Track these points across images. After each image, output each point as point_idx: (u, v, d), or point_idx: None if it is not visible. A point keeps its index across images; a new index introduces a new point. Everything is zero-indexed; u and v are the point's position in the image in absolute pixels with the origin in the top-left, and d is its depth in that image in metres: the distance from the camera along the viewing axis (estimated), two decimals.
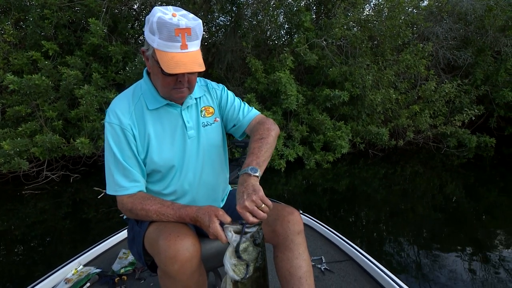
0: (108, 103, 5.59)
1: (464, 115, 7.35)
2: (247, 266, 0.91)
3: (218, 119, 1.28)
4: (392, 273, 1.73)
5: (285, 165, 5.75)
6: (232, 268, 0.90)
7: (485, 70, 8.21)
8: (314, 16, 7.91)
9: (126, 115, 1.11)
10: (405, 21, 7.12)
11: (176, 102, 1.17)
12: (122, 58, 6.02)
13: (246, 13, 7.50)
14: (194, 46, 1.03)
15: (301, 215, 2.50)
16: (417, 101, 7.54)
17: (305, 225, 2.47)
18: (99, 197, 4.44)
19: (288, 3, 7.13)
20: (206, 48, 7.71)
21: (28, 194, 4.80)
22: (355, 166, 6.54)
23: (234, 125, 1.31)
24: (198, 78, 1.27)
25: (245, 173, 1.01)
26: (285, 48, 6.49)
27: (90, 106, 5.19)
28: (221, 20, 7.83)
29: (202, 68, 1.01)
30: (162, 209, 1.06)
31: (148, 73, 1.18)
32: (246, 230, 0.91)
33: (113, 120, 1.10)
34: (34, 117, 5.30)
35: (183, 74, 1.04)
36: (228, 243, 0.92)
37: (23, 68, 5.48)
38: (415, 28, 8.08)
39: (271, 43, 7.89)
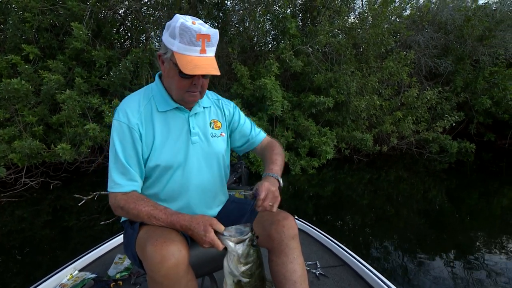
0: (91, 108, 5.52)
1: (445, 121, 7.54)
2: (252, 266, 0.99)
3: (224, 134, 1.33)
4: (386, 278, 1.75)
5: None
6: (241, 275, 0.97)
7: (465, 78, 8.49)
8: (300, 23, 8.03)
9: (136, 114, 1.15)
10: (388, 30, 7.30)
11: (186, 106, 1.22)
12: (106, 63, 5.94)
13: (232, 19, 7.54)
14: (211, 52, 1.10)
15: (295, 220, 2.52)
16: (401, 107, 7.70)
17: (300, 230, 2.47)
18: (79, 204, 4.32)
19: (274, 10, 7.22)
20: None
21: (5, 202, 4.63)
22: (340, 172, 6.60)
23: (247, 141, 1.41)
24: (210, 92, 1.37)
25: (272, 176, 1.18)
26: (270, 55, 6.54)
27: (72, 112, 5.08)
28: None
29: (218, 72, 1.08)
30: (154, 212, 1.06)
31: (160, 77, 1.24)
32: (244, 237, 0.97)
33: (121, 119, 1.13)
34: (13, 122, 5.15)
35: (198, 77, 1.11)
36: (224, 250, 0.99)
37: (2, 72, 5.33)
38: (398, 36, 8.29)
39: (257, 49, 7.94)
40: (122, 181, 1.12)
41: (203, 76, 1.13)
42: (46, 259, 3.22)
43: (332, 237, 2.29)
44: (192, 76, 1.10)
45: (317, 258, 2.12)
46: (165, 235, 1.01)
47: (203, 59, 1.07)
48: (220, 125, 1.32)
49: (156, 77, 1.25)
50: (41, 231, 3.89)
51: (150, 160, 1.16)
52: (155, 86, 1.22)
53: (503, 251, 3.36)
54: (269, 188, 1.09)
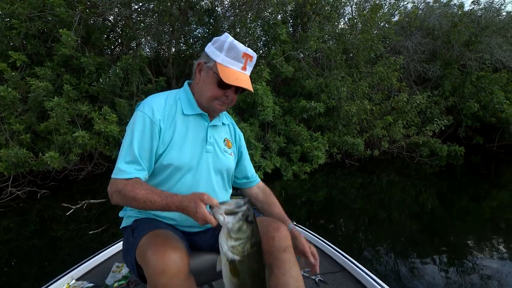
0: (80, 116, 5.44)
1: (435, 125, 7.64)
2: (245, 244, 0.93)
3: (233, 154, 1.39)
4: (386, 284, 1.75)
5: (262, 177, 5.71)
6: (230, 250, 0.92)
7: (453, 82, 8.64)
8: (290, 29, 8.09)
9: (160, 110, 1.20)
10: (378, 35, 7.40)
11: (210, 115, 1.28)
12: (96, 70, 5.88)
13: (223, 25, 7.56)
14: (249, 72, 1.22)
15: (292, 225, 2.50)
16: (391, 112, 7.78)
17: None
18: (68, 213, 4.23)
19: (265, 16, 7.26)
20: (183, 59, 7.67)
21: None
22: (332, 176, 6.61)
23: (247, 179, 1.49)
24: (226, 114, 1.44)
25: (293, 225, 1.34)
26: (261, 60, 6.55)
27: (60, 119, 5.00)
28: (198, 32, 7.86)
29: (252, 88, 1.21)
30: (150, 196, 1.05)
31: (189, 85, 1.32)
32: (237, 210, 0.93)
33: (146, 112, 1.17)
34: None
35: (232, 90, 1.21)
36: (218, 226, 0.95)
37: None
38: (387, 42, 8.41)
39: None
40: (127, 169, 1.13)
41: (236, 91, 1.22)
42: (34, 270, 3.12)
43: (330, 243, 2.27)
44: (227, 88, 1.19)
45: None
46: (167, 243, 1.02)
47: (243, 75, 1.18)
48: (231, 146, 1.39)
49: (185, 84, 1.32)
50: (28, 241, 3.76)
51: (164, 158, 1.18)
52: (183, 91, 1.29)
53: (494, 252, 3.40)
54: (308, 247, 1.32)
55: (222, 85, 1.16)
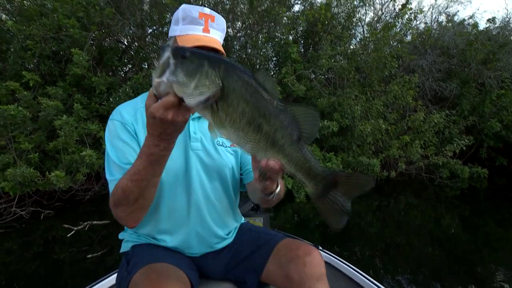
0: (90, 135, 5.40)
1: (455, 145, 7.32)
2: (210, 86, 0.73)
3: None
4: None
5: None
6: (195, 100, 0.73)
7: (471, 101, 8.35)
8: (302, 49, 8.07)
9: (131, 112, 1.06)
10: (391, 54, 7.27)
11: None
12: (107, 89, 5.90)
13: (234, 46, 7.60)
14: (216, 36, 1.02)
15: (320, 252, 2.25)
16: (407, 131, 7.52)
17: (326, 263, 2.19)
18: (69, 235, 4.08)
19: (276, 36, 7.27)
20: None
21: None
22: None
23: (247, 170, 1.19)
24: None
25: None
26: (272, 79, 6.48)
27: (69, 138, 4.96)
28: None
29: (221, 48, 0.99)
30: (132, 169, 0.88)
31: None
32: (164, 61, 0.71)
33: (115, 117, 1.05)
34: (9, 149, 5.02)
35: None
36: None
37: (1, 99, 5.28)
38: (400, 61, 8.28)
39: None
40: (115, 177, 0.96)
41: None
42: None
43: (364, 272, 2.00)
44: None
45: None
46: (162, 283, 0.86)
47: (205, 37, 0.99)
48: None
49: None
50: (31, 264, 3.65)
51: None
52: None
53: None
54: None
55: None
